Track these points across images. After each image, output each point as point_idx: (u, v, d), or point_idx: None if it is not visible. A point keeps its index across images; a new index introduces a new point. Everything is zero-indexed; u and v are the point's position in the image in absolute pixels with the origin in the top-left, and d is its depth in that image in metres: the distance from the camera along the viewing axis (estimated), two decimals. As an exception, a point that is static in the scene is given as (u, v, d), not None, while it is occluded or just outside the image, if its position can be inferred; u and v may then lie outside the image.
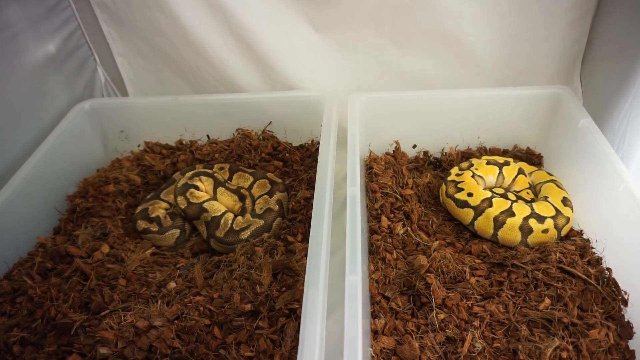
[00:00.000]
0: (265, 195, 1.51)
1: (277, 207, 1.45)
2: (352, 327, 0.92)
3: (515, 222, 1.32)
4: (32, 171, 1.44)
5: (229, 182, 1.59)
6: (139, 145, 1.79)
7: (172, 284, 1.26)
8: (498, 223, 1.33)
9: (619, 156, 1.34)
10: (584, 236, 1.35)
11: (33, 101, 1.61)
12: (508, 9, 1.63)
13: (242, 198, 1.52)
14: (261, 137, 1.74)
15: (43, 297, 1.18)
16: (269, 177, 1.58)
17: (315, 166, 1.32)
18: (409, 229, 1.35)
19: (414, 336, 1.09)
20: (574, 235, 1.36)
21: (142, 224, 1.46)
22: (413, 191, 1.50)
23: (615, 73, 1.49)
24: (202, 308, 1.13)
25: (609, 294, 1.16)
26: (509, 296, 1.17)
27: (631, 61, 1.39)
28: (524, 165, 1.57)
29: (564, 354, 1.03)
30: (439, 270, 1.21)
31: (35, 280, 1.25)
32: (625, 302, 1.15)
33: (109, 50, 1.86)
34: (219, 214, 1.44)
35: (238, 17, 1.67)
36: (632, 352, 1.08)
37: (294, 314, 1.10)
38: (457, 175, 1.50)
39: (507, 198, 1.41)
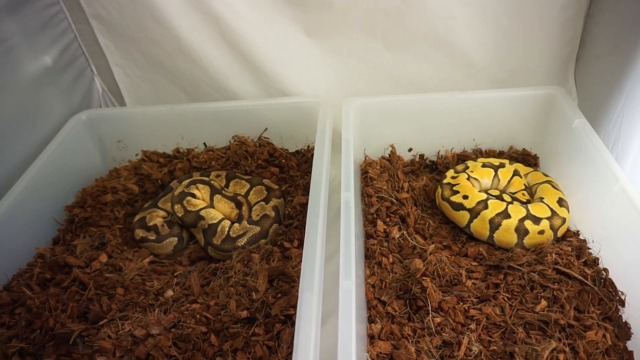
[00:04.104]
0: (261, 202, 1.52)
1: (273, 214, 1.46)
2: (346, 332, 0.92)
3: (510, 223, 1.32)
4: (30, 182, 1.45)
5: (226, 189, 1.60)
6: (136, 155, 1.81)
7: (170, 292, 1.26)
8: (494, 225, 1.33)
9: (614, 156, 1.34)
10: (580, 237, 1.35)
11: (31, 113, 1.63)
12: (501, 10, 1.63)
13: (238, 205, 1.52)
14: (257, 144, 1.75)
15: (42, 308, 1.18)
16: (265, 183, 1.59)
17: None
18: (405, 232, 1.35)
19: (410, 340, 1.09)
20: (570, 235, 1.36)
21: (139, 233, 1.47)
22: (409, 195, 1.50)
23: (609, 72, 1.49)
24: (198, 316, 1.14)
25: (606, 294, 1.16)
26: (506, 298, 1.17)
27: (623, 60, 1.39)
28: (519, 166, 1.58)
29: (561, 356, 1.03)
30: (435, 273, 1.21)
31: (34, 290, 1.26)
32: (622, 303, 1.14)
33: (106, 61, 1.88)
34: (215, 222, 1.45)
35: (231, 25, 1.68)
36: (630, 353, 1.08)
37: (290, 320, 1.11)
38: (453, 178, 1.51)
39: (502, 200, 1.41)
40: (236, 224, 1.45)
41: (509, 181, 1.53)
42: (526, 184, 1.52)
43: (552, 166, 1.59)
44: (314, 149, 1.40)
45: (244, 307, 1.14)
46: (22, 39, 1.58)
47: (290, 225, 1.44)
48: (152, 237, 1.46)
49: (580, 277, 1.18)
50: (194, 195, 1.52)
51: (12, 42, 1.54)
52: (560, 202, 1.38)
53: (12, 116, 1.54)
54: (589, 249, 1.29)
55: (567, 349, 1.04)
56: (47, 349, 1.11)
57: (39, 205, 1.49)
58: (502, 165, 1.55)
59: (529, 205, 1.37)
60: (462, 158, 1.69)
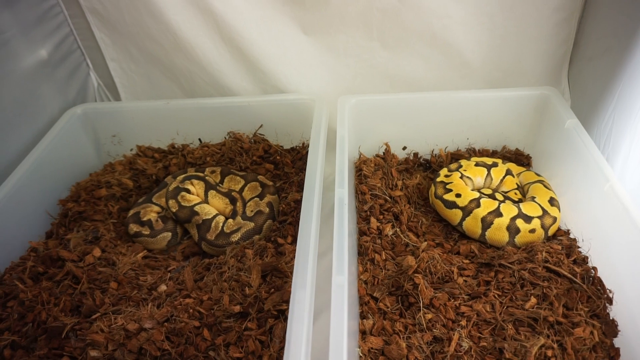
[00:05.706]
0: (256, 198, 1.52)
1: (267, 210, 1.47)
2: (338, 327, 0.93)
3: (502, 222, 1.33)
4: (24, 176, 1.45)
5: (220, 185, 1.60)
6: (131, 150, 1.80)
7: (163, 287, 1.27)
8: (486, 223, 1.34)
9: (605, 155, 1.36)
10: (571, 235, 1.37)
11: (26, 107, 1.62)
12: (496, 10, 1.64)
13: (233, 201, 1.53)
14: (252, 140, 1.75)
15: (34, 301, 1.19)
16: (260, 179, 1.59)
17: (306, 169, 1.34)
18: (398, 230, 1.37)
19: (401, 336, 1.10)
20: (560, 234, 1.38)
21: (133, 228, 1.47)
22: (402, 192, 1.51)
23: (601, 74, 1.51)
24: (191, 310, 1.15)
25: (594, 292, 1.17)
26: (496, 296, 1.18)
27: (615, 62, 1.40)
28: (512, 166, 1.59)
29: (549, 352, 1.04)
30: (427, 270, 1.23)
31: (27, 284, 1.25)
32: (610, 301, 1.16)
33: (102, 56, 1.87)
34: (210, 217, 1.45)
35: (228, 22, 1.68)
36: (617, 350, 1.10)
37: (283, 315, 1.11)
38: (446, 176, 1.52)
39: (494, 198, 1.42)
40: (230, 220, 1.45)
41: (502, 180, 1.54)
42: (518, 183, 1.54)
43: (544, 166, 1.60)
44: (308, 146, 1.41)
45: (237, 302, 1.15)
46: (18, 32, 1.58)
47: (284, 221, 1.44)
48: (146, 232, 1.46)
49: (569, 275, 1.20)
50: (188, 191, 1.52)
51: (7, 35, 1.53)
52: (552, 201, 1.39)
53: (6, 109, 1.53)
54: (578, 247, 1.31)
55: (555, 345, 1.05)
56: (39, 342, 1.11)
57: (33, 199, 1.49)
58: (495, 165, 1.56)
59: (521, 205, 1.38)
60: (455, 157, 1.71)
